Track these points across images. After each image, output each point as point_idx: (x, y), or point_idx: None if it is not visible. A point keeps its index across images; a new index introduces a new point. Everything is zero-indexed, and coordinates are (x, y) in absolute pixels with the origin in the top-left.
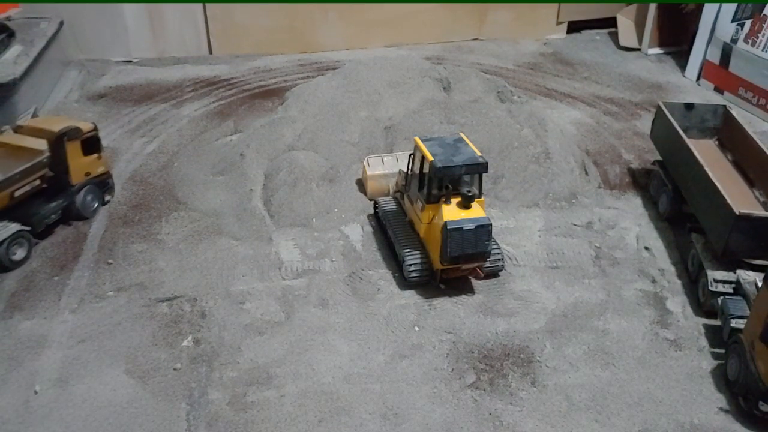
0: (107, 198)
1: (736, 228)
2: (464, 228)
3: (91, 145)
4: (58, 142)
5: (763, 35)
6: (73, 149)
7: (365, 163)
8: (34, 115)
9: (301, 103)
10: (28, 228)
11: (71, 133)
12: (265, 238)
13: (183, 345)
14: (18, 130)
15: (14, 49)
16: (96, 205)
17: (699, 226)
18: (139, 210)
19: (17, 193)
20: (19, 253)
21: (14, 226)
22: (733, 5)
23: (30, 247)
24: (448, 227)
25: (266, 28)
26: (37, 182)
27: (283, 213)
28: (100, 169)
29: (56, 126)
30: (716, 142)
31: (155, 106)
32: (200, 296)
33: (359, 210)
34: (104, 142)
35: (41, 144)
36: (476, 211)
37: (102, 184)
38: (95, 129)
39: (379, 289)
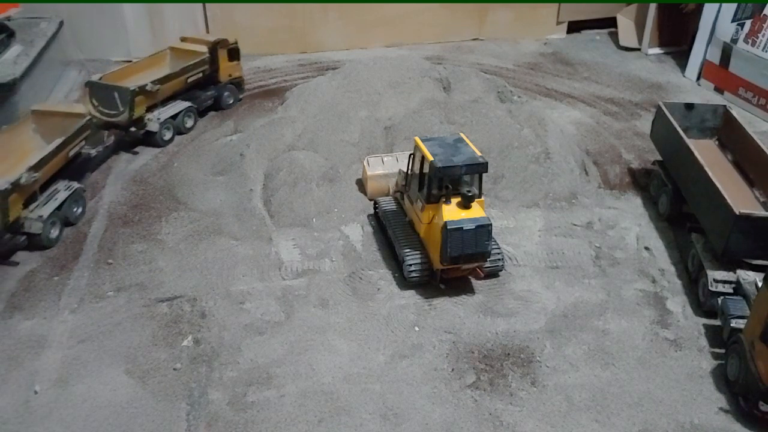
0: (240, 96)
1: (736, 228)
2: (464, 228)
3: (233, 53)
4: (213, 48)
5: (763, 35)
6: (222, 55)
7: (365, 163)
8: None
9: (301, 103)
10: (195, 105)
11: (222, 43)
12: (265, 238)
13: (183, 345)
14: (184, 39)
15: (14, 49)
16: (232, 101)
17: (699, 226)
18: (139, 210)
19: (190, 80)
20: (189, 123)
21: (186, 103)
22: (733, 5)
23: (196, 120)
24: (448, 227)
25: (266, 28)
26: (201, 75)
27: (283, 213)
28: (237, 74)
29: (211, 38)
30: (716, 142)
31: None
32: (200, 296)
33: (359, 210)
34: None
35: (203, 48)
36: (476, 211)
37: (237, 85)
38: (236, 43)
39: (379, 289)
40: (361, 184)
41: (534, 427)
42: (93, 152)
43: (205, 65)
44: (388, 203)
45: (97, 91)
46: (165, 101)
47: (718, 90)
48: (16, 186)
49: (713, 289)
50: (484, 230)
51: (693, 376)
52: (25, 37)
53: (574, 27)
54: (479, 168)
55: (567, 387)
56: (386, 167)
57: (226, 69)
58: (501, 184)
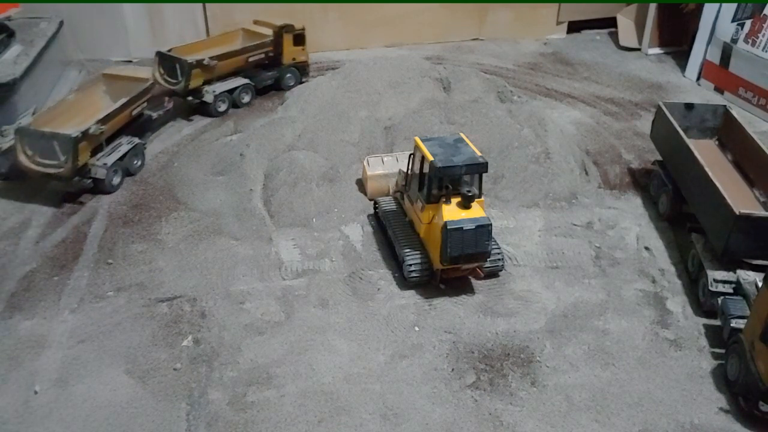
0: (303, 79)
1: (736, 228)
2: (464, 228)
3: (299, 39)
4: (279, 32)
5: (763, 35)
6: (287, 39)
7: (365, 163)
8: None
9: (301, 103)
10: (253, 83)
11: (287, 28)
12: (265, 238)
13: (183, 345)
14: (257, 22)
15: (14, 49)
16: (293, 83)
17: (699, 226)
18: (139, 210)
19: (251, 59)
20: (245, 98)
21: (244, 80)
22: (733, 5)
23: (253, 96)
24: (448, 227)
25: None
26: (263, 56)
27: (283, 213)
28: (302, 58)
29: (279, 22)
30: (716, 142)
31: None
32: (200, 296)
33: (359, 210)
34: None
35: (269, 31)
36: (476, 211)
37: (301, 69)
38: (303, 29)
39: (379, 289)
40: (361, 184)
41: (534, 427)
42: (154, 114)
43: (268, 47)
44: (388, 203)
45: (164, 61)
46: (225, 77)
47: (718, 90)
48: (85, 135)
49: (713, 289)
50: (484, 230)
51: (693, 376)
52: (25, 37)
53: (574, 27)
54: (479, 168)
55: (567, 387)
56: (386, 167)
57: (290, 53)
58: (501, 184)
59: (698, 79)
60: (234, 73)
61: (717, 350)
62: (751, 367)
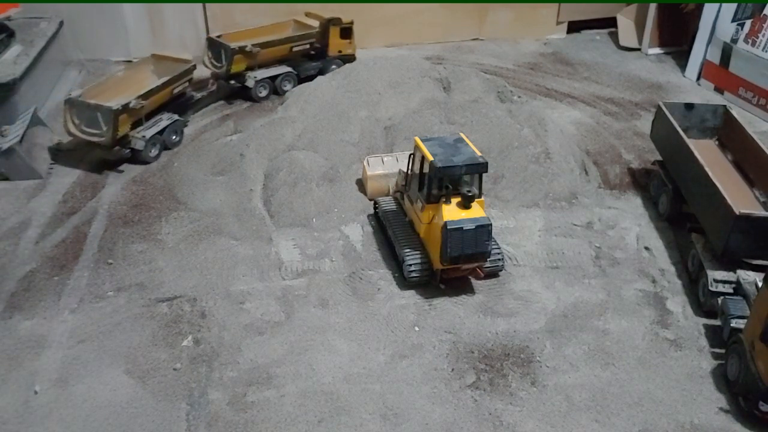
0: (333, 67)
1: (736, 228)
2: (464, 228)
3: (346, 32)
4: (325, 24)
5: (763, 35)
6: (334, 32)
7: (365, 163)
8: (34, 115)
9: (301, 103)
10: (295, 72)
11: (334, 21)
12: (265, 238)
13: (183, 345)
14: (308, 14)
15: (14, 49)
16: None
17: (699, 226)
18: (139, 210)
19: (295, 49)
20: (287, 86)
21: (286, 69)
22: (733, 5)
23: (294, 85)
24: (448, 227)
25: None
26: (308, 46)
27: (283, 213)
28: (348, 51)
29: (327, 15)
30: (716, 142)
31: None
32: (200, 296)
33: (359, 210)
34: None
35: (315, 24)
36: (476, 211)
37: (346, 61)
38: (351, 23)
39: (379, 289)
40: (361, 184)
41: (534, 427)
42: (197, 95)
43: (312, 38)
44: (388, 203)
45: (211, 46)
46: (270, 64)
47: (718, 90)
48: (125, 108)
49: (713, 289)
50: (484, 230)
51: (693, 376)
52: (25, 37)
53: (574, 27)
54: (479, 168)
55: (567, 387)
56: (386, 167)
57: (336, 45)
58: (501, 184)
59: (698, 79)
60: (279, 62)
61: (717, 350)
62: (751, 367)
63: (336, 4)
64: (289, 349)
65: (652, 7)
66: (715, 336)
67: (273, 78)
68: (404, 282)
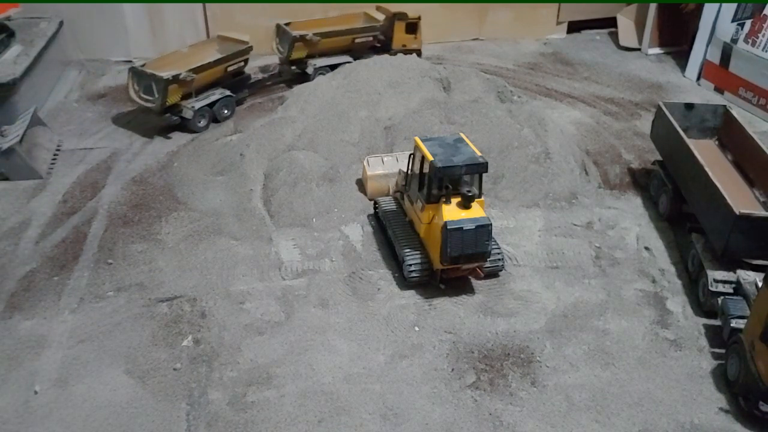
0: None
1: (736, 228)
2: (464, 228)
3: (411, 27)
4: (390, 18)
5: (763, 35)
6: (399, 26)
7: (365, 163)
8: (34, 115)
9: (301, 103)
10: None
11: (400, 16)
12: (265, 238)
13: (183, 345)
14: (379, 8)
15: (14, 49)
16: None
17: (699, 226)
18: (139, 210)
19: (358, 40)
20: None
21: (347, 58)
22: (733, 5)
23: None
24: (448, 227)
25: (266, 28)
26: (370, 39)
27: (283, 213)
28: (413, 45)
29: (394, 10)
30: (716, 142)
31: None
32: (200, 296)
33: (359, 210)
34: (103, 142)
35: (381, 17)
36: (476, 211)
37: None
38: (418, 19)
39: (379, 289)
40: (361, 184)
41: (534, 427)
42: (262, 75)
43: (375, 31)
44: (388, 203)
45: (279, 33)
46: (333, 53)
47: (718, 90)
48: (175, 78)
49: (713, 289)
50: (484, 230)
51: (693, 376)
52: (25, 37)
53: (574, 27)
54: (479, 168)
55: (567, 387)
56: (386, 167)
57: (400, 39)
58: (501, 184)
59: (698, 79)
60: (344, 51)
61: (717, 350)
62: (751, 367)
63: (336, 4)
64: (289, 349)
65: (652, 7)
66: (715, 336)
67: (333, 66)
68: (404, 282)
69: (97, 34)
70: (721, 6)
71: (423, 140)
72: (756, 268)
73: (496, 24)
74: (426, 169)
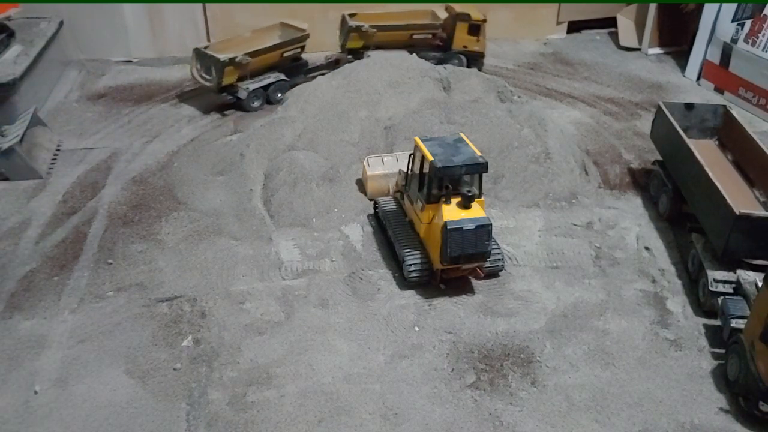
0: (473, 67)
1: (737, 228)
2: (464, 228)
3: (474, 29)
4: (452, 19)
5: (763, 35)
6: (460, 27)
7: (365, 163)
8: (34, 115)
9: (301, 103)
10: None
11: (463, 16)
12: (265, 238)
13: (183, 345)
14: (448, 8)
15: (14, 49)
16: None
17: (699, 226)
18: (139, 210)
19: (415, 37)
20: None
21: (403, 54)
22: (733, 5)
23: None
24: (448, 227)
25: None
26: (429, 36)
27: (283, 213)
28: (476, 48)
29: (459, 10)
30: (716, 142)
31: (155, 106)
32: (200, 296)
33: (359, 210)
34: (103, 142)
35: (444, 15)
36: (476, 211)
37: (472, 59)
38: (482, 21)
39: (379, 289)
40: (361, 184)
41: (534, 427)
42: (321, 62)
43: (435, 29)
44: (388, 203)
45: (343, 24)
46: (390, 46)
47: (718, 90)
48: (231, 61)
49: (713, 289)
50: (484, 230)
51: (693, 376)
52: (25, 37)
53: (574, 27)
54: (479, 168)
55: (567, 387)
56: (386, 167)
57: (462, 40)
58: (501, 184)
59: (698, 79)
60: (402, 46)
61: (717, 350)
62: (751, 367)
63: (336, 4)
64: (289, 349)
65: (652, 7)
66: (715, 336)
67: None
68: (404, 282)
69: (97, 34)
70: (721, 6)
71: (423, 140)
72: (756, 268)
73: (496, 24)
74: (426, 169)
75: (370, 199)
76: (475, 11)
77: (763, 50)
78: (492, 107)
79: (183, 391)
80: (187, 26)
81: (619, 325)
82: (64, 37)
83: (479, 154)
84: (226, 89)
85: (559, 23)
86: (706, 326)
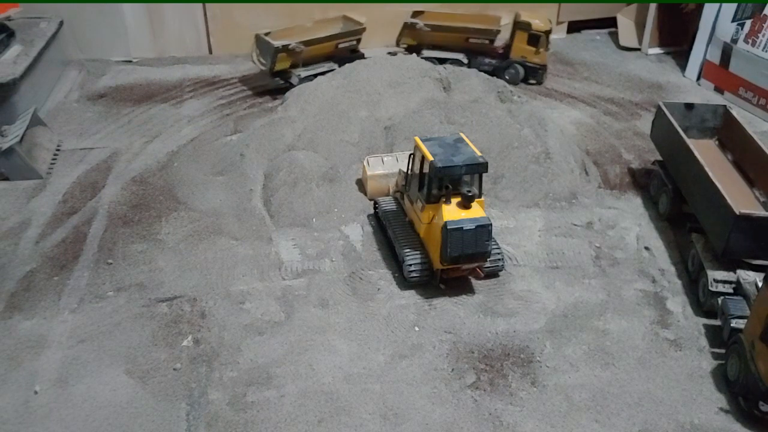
0: (531, 81)
1: (737, 228)
2: (464, 228)
3: (534, 39)
4: (513, 26)
5: (763, 35)
6: (519, 36)
7: (365, 163)
8: (34, 115)
9: (301, 103)
10: (465, 62)
11: (521, 25)
12: (265, 238)
13: (183, 345)
14: (517, 16)
15: (14, 49)
16: (508, 78)
17: (699, 226)
18: (139, 210)
19: (471, 40)
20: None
21: (458, 55)
22: (733, 5)
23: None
24: (448, 227)
25: (266, 28)
26: (486, 42)
27: (283, 213)
28: (535, 60)
29: (523, 18)
30: (716, 142)
31: (155, 106)
32: (200, 296)
33: (359, 210)
34: (103, 142)
35: (505, 22)
36: (476, 211)
37: (531, 70)
38: (543, 32)
39: (379, 289)
40: (361, 184)
41: (534, 427)
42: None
43: (490, 36)
44: (388, 203)
45: (405, 22)
46: (445, 47)
47: (718, 90)
48: (285, 48)
49: (713, 289)
50: (484, 230)
51: (693, 376)
52: (25, 37)
53: (574, 27)
54: (479, 168)
55: (567, 387)
56: (386, 167)
57: (520, 50)
58: (501, 184)
59: (698, 79)
60: (459, 49)
61: (717, 350)
62: (751, 367)
63: (336, 4)
64: (289, 349)
65: (652, 7)
66: (715, 336)
67: (441, 60)
68: (404, 282)
69: (97, 34)
70: (721, 6)
71: (423, 140)
72: (756, 268)
73: None
74: (426, 169)
75: (370, 199)
76: (539, 19)
77: (763, 50)
78: (492, 107)
79: (183, 391)
80: (187, 26)
81: (619, 325)
82: (64, 37)
83: (479, 154)
84: (280, 74)
85: (559, 23)
86: (706, 326)
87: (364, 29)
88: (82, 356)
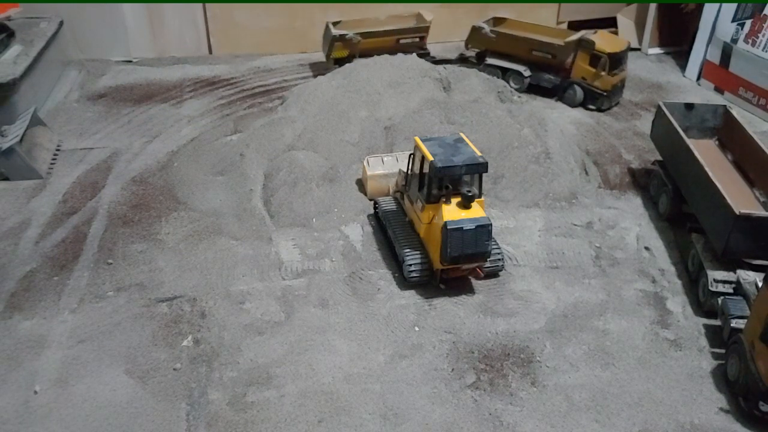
0: (590, 107)
1: (737, 228)
2: (464, 228)
3: (596, 61)
4: (574, 43)
5: (763, 35)
6: (582, 55)
7: (365, 163)
8: (34, 115)
9: (301, 103)
10: (526, 75)
11: (585, 43)
12: (265, 238)
13: (183, 345)
14: (585, 33)
15: (14, 49)
16: (567, 98)
17: (699, 226)
18: (139, 210)
19: (535, 53)
20: (512, 83)
21: (520, 67)
22: (733, 5)
23: (521, 86)
24: (448, 227)
25: (266, 28)
26: (549, 58)
27: (283, 213)
28: (595, 83)
29: (592, 38)
30: (716, 142)
31: (155, 106)
32: (200, 296)
33: (359, 210)
34: (103, 142)
35: (568, 38)
36: (476, 211)
37: (591, 94)
38: (605, 54)
39: (379, 289)
40: (361, 184)
41: (534, 427)
42: (430, 52)
43: (553, 51)
44: (388, 203)
45: (473, 25)
46: (511, 57)
47: (718, 90)
48: (341, 37)
49: (713, 289)
50: (484, 230)
51: (693, 376)
52: (25, 37)
53: (574, 27)
54: (479, 168)
55: (567, 387)
56: (386, 167)
57: (581, 70)
58: (501, 184)
59: (698, 79)
60: (524, 61)
61: (717, 350)
62: (751, 367)
63: (336, 5)
64: (289, 349)
65: (652, 7)
66: (715, 336)
67: (503, 70)
68: (404, 282)
69: (97, 34)
70: (721, 6)
71: (423, 140)
72: (756, 268)
73: None
74: (426, 169)
75: (370, 199)
76: (605, 39)
77: (763, 50)
78: (492, 107)
79: (183, 391)
80: (187, 26)
81: (619, 325)
82: (64, 37)
83: (479, 154)
84: (338, 61)
85: (559, 23)
86: (706, 326)
87: (426, 27)
88: (82, 356)
